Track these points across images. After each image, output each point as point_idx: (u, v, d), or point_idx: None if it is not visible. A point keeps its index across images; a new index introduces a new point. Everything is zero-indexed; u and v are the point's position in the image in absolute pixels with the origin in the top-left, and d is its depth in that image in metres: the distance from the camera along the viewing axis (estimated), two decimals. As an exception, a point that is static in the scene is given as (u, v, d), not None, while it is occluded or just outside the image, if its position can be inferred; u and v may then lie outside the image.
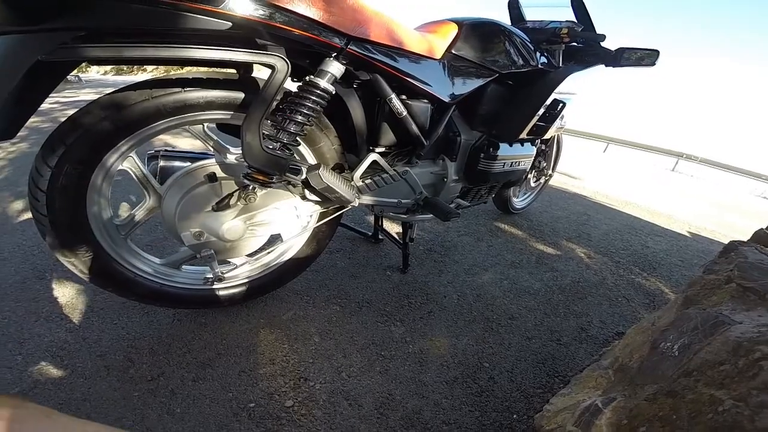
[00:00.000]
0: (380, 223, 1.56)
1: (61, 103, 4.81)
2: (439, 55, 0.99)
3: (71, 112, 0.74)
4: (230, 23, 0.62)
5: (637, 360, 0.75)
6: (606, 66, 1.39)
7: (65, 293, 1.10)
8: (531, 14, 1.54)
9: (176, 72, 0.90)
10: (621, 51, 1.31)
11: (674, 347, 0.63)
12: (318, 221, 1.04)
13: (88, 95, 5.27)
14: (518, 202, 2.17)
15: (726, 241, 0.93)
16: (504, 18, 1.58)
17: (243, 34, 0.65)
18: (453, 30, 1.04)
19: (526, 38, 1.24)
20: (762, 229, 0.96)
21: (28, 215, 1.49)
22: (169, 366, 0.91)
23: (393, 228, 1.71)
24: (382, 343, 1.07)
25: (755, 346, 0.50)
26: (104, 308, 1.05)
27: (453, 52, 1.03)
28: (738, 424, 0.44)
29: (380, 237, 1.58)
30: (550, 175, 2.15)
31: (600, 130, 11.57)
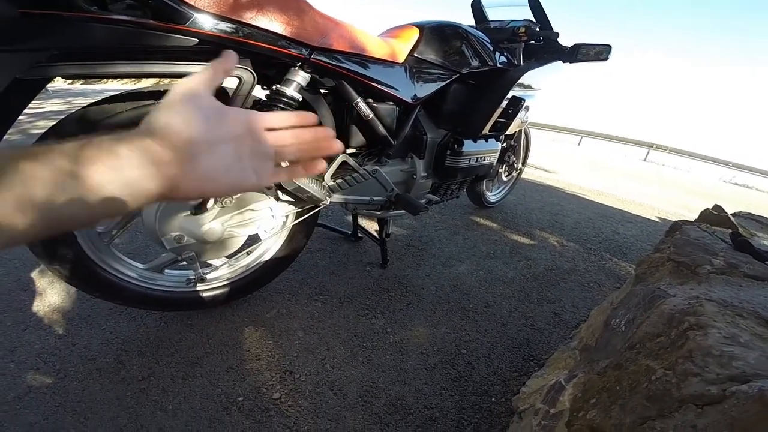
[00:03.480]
0: (358, 221, 1.59)
1: (29, 114, 4.63)
2: (401, 58, 1.03)
3: (40, 123, 0.75)
4: (196, 39, 0.64)
5: (596, 338, 0.81)
6: (564, 62, 1.45)
7: (51, 302, 1.10)
8: (493, 14, 1.59)
9: (149, 85, 0.91)
10: (577, 47, 1.37)
11: (622, 323, 0.67)
12: (294, 221, 1.07)
13: (55, 106, 5.12)
14: (492, 196, 2.23)
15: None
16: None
17: (209, 49, 0.67)
18: (415, 34, 1.08)
19: (486, 38, 1.28)
20: (707, 208, 1.03)
21: None
22: (158, 366, 0.93)
23: (371, 226, 1.74)
24: (364, 335, 1.10)
25: (685, 317, 0.54)
26: (91, 315, 1.06)
27: (415, 55, 1.06)
28: (667, 392, 0.46)
29: (359, 235, 1.61)
30: (521, 169, 2.21)
31: (574, 124, 11.85)
